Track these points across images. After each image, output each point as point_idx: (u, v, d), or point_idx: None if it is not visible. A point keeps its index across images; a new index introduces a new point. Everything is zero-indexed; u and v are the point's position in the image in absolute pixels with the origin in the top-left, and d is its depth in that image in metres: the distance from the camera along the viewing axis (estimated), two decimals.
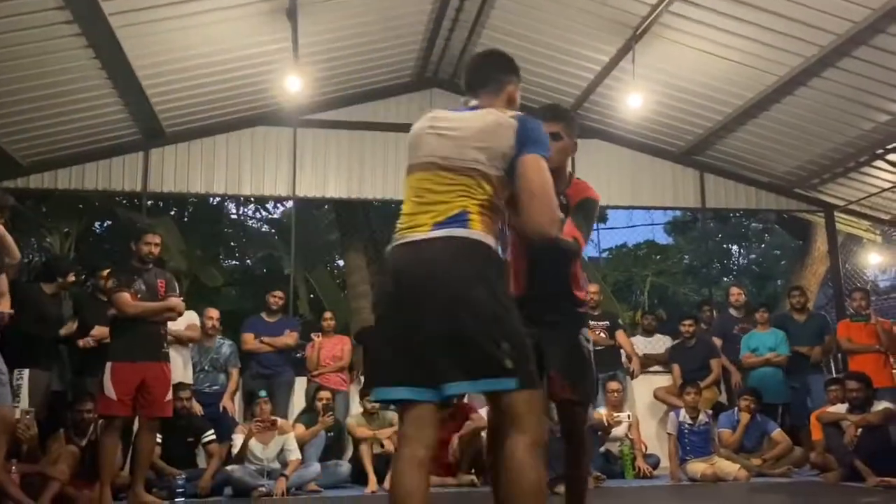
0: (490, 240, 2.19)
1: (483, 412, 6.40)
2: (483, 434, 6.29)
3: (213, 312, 6.91)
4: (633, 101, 7.30)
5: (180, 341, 6.28)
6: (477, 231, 2.17)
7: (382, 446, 6.34)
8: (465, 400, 6.54)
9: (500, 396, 2.10)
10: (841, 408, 6.32)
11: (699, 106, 8.10)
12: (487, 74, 2.42)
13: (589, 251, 18.89)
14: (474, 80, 2.42)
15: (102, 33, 5.99)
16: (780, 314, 8.32)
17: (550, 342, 2.80)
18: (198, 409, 6.27)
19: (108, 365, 4.97)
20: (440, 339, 2.07)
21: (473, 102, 2.39)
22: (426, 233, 2.18)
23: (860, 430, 6.04)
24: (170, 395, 5.25)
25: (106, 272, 5.52)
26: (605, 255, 19.63)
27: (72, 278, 5.85)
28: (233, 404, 6.80)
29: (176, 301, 5.30)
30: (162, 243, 5.44)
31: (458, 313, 2.07)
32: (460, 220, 2.16)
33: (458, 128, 2.27)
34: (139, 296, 5.08)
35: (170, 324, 6.05)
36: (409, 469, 2.08)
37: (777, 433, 6.82)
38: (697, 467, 6.44)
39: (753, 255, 21.51)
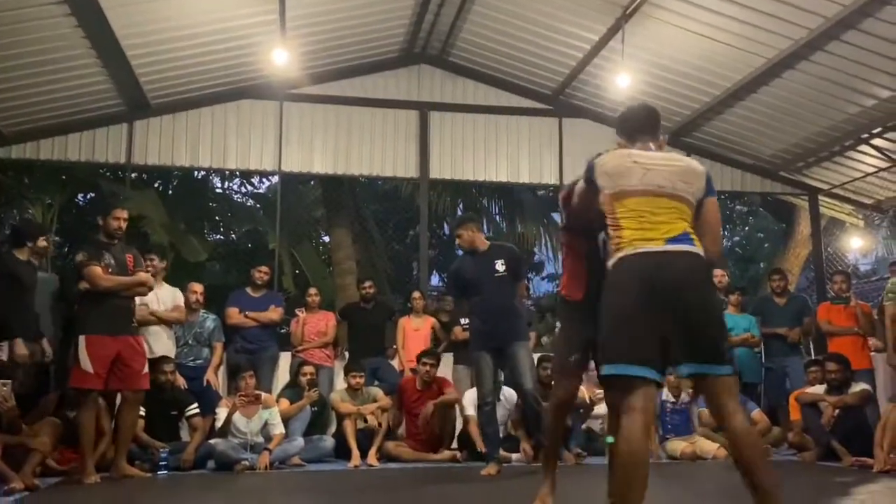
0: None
1: (471, 392, 6.46)
2: (458, 407, 6.37)
3: (197, 287, 6.87)
4: (621, 81, 7.29)
5: (165, 321, 6.27)
6: (699, 248, 2.69)
7: (366, 421, 6.38)
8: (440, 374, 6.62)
9: (716, 380, 2.60)
10: (819, 389, 6.41)
11: (687, 87, 8.11)
12: (654, 125, 2.98)
13: None
14: (645, 127, 2.95)
15: (86, 2, 5.89)
16: (761, 297, 8.39)
17: None
18: (181, 382, 6.26)
19: (82, 338, 4.96)
20: (684, 330, 2.57)
21: (641, 144, 2.90)
22: (661, 245, 2.65)
23: (837, 410, 6.13)
24: (146, 368, 5.26)
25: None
26: None
27: (43, 242, 5.65)
28: (217, 378, 6.79)
29: (146, 276, 5.33)
30: (131, 217, 5.40)
31: (701, 312, 2.60)
32: (688, 238, 2.68)
33: (662, 164, 2.79)
34: (110, 270, 5.06)
35: (154, 305, 6.08)
36: (641, 434, 2.53)
37: (756, 413, 6.90)
38: (677, 445, 6.52)
39: (737, 238, 21.66)
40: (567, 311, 3.74)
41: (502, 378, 6.00)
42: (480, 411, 5.55)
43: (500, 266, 5.35)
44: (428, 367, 6.36)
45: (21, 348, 5.11)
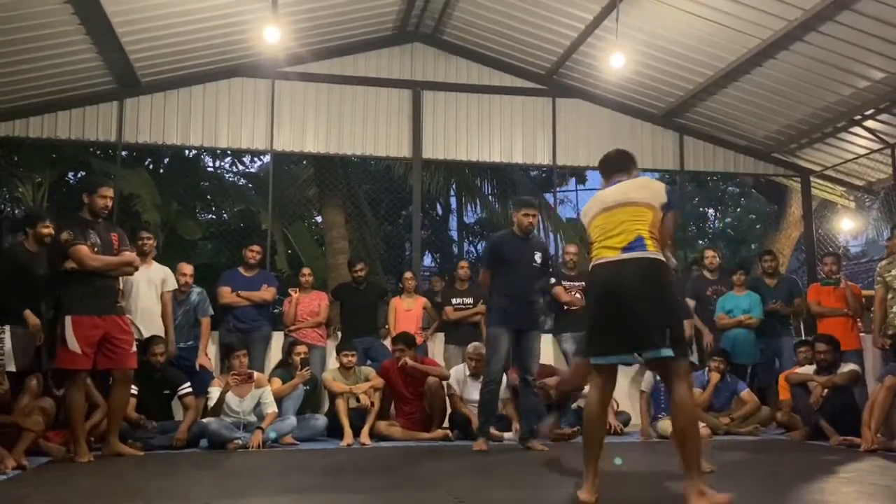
0: (660, 255, 3.19)
1: (456, 369, 6.47)
2: (446, 387, 6.41)
3: (187, 269, 6.82)
4: (615, 60, 7.26)
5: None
6: (652, 251, 3.17)
7: (358, 401, 6.39)
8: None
9: (663, 362, 3.10)
10: (809, 369, 6.45)
11: (681, 67, 8.08)
12: (625, 164, 3.52)
13: (568, 212, 18.99)
14: (616, 167, 3.52)
15: None
16: (752, 278, 8.42)
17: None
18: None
19: (68, 319, 4.92)
20: (634, 325, 3.09)
21: (614, 180, 3.45)
22: (617, 255, 3.19)
23: (826, 390, 6.18)
24: (134, 347, 5.26)
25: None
26: None
27: (44, 229, 5.49)
28: (209, 359, 6.78)
29: (132, 255, 5.31)
30: (123, 196, 5.36)
31: (644, 304, 3.08)
32: (640, 244, 3.16)
33: (619, 189, 3.36)
34: (95, 249, 5.01)
35: (144, 285, 6.06)
36: (596, 403, 3.26)
37: (745, 393, 6.96)
38: (667, 424, 6.55)
39: (729, 219, 21.73)
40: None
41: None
42: (486, 388, 5.63)
43: (538, 257, 5.71)
44: (399, 353, 6.41)
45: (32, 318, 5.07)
